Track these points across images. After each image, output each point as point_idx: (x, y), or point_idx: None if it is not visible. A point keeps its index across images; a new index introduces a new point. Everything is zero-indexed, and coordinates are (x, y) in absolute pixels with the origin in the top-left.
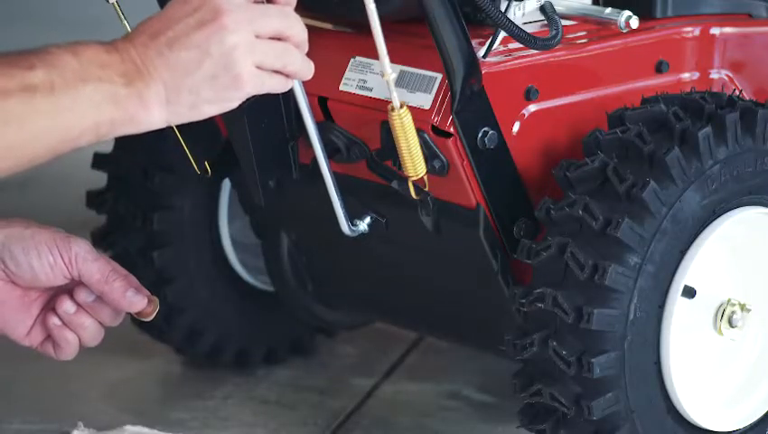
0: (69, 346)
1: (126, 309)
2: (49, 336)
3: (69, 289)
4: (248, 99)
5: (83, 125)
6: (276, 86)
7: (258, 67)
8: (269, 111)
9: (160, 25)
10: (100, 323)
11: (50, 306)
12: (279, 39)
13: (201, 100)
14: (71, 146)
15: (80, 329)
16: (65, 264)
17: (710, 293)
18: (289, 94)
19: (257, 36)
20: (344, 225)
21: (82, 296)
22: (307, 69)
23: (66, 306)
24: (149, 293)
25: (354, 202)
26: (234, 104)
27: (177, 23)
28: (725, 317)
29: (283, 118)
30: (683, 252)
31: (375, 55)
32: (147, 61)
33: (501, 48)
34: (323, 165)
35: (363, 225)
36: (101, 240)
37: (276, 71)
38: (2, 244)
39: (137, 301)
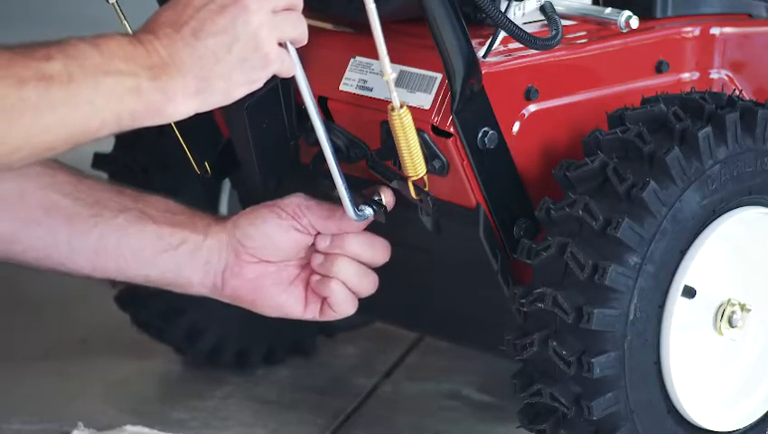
0: (339, 299)
1: (363, 227)
2: (323, 302)
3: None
4: (250, 96)
5: (103, 116)
6: (289, 60)
7: (279, 42)
8: (270, 111)
9: (179, 15)
10: (362, 263)
11: (307, 272)
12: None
13: (232, 85)
14: (91, 138)
15: (340, 275)
16: (293, 217)
17: (710, 293)
18: (289, 94)
19: (274, 11)
20: (350, 211)
21: (321, 243)
22: (306, 33)
23: (316, 259)
24: (375, 193)
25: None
26: (261, 84)
27: (198, 11)
28: (725, 317)
29: (284, 118)
30: (683, 252)
31: (375, 55)
32: (174, 54)
33: (501, 48)
34: (326, 149)
35: (369, 210)
36: None
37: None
38: (233, 228)
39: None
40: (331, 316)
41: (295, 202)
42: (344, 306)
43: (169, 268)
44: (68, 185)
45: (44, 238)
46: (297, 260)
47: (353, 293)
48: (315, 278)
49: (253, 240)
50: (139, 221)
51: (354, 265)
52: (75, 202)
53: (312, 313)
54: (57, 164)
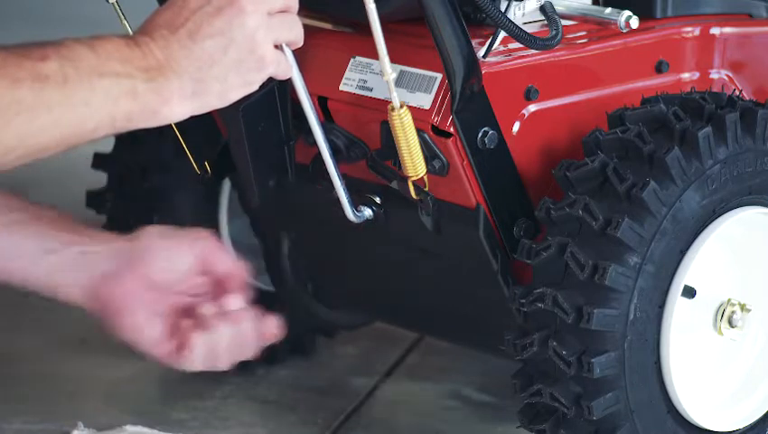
0: (196, 352)
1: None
2: (177, 347)
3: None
4: (246, 97)
5: (98, 118)
6: (285, 63)
7: (275, 45)
8: (266, 113)
9: (176, 17)
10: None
11: (180, 320)
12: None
13: (228, 87)
14: (86, 139)
15: (214, 334)
16: (194, 239)
17: (710, 293)
18: (285, 96)
19: (269, 14)
20: (349, 212)
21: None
22: (302, 35)
23: (204, 307)
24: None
25: (355, 197)
26: (256, 86)
27: (194, 13)
28: (725, 317)
29: (280, 120)
30: (683, 252)
31: (375, 55)
32: (170, 56)
33: (501, 48)
34: (324, 150)
35: (368, 211)
36: None
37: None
38: (137, 238)
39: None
40: (183, 361)
41: (203, 232)
42: (195, 362)
43: (52, 269)
44: None
45: None
46: (180, 298)
47: (213, 357)
48: (187, 322)
49: (151, 252)
50: (24, 224)
51: (230, 335)
52: None
53: (163, 351)
54: None
